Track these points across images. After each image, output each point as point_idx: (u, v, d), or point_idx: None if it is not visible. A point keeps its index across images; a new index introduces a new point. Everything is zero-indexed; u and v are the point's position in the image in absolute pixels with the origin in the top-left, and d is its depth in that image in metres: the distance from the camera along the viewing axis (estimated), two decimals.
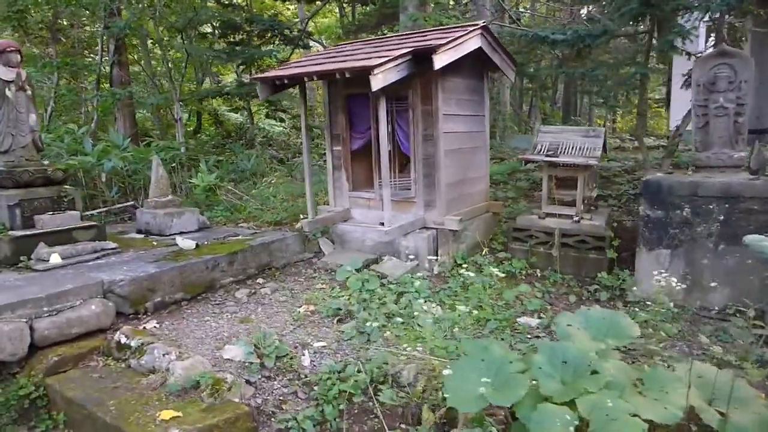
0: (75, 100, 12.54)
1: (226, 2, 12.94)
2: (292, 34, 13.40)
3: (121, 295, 4.67)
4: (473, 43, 6.24)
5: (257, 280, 5.83)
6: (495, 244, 6.77)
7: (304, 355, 4.08)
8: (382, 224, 6.56)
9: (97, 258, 5.44)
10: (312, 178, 6.67)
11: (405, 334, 4.44)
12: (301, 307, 5.06)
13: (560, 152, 6.40)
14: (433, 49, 5.55)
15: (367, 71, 5.18)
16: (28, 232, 5.28)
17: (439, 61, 5.62)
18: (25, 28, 12.11)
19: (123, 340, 4.13)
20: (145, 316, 4.76)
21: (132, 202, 7.78)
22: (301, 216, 7.60)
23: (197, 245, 5.92)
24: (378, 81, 5.24)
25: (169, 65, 11.08)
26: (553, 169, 6.44)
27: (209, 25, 12.34)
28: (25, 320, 4.07)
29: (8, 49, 5.45)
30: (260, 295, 5.39)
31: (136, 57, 13.70)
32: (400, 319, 4.57)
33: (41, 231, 5.35)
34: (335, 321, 4.75)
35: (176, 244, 6.02)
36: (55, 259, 5.16)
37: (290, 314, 4.90)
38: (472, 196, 6.98)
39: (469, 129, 6.84)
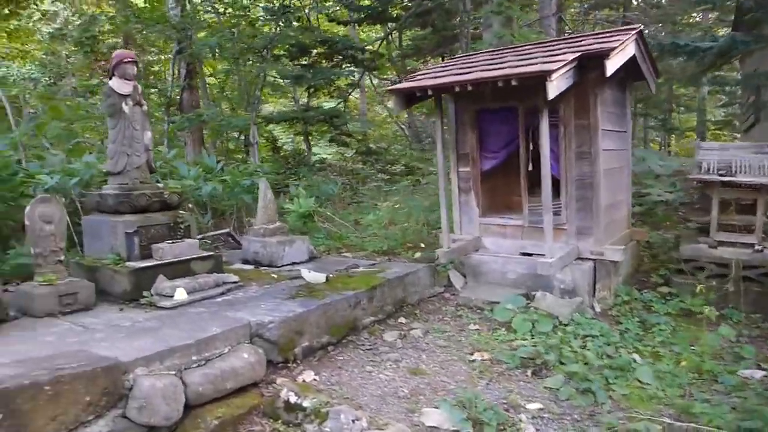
0: None
1: (300, 24, 12.49)
2: (363, 56, 12.88)
3: (270, 339, 3.89)
4: (631, 49, 5.47)
5: (399, 320, 5.01)
6: (654, 277, 5.85)
7: (521, 421, 3.21)
8: (528, 254, 5.74)
9: (222, 293, 4.70)
10: (445, 202, 5.89)
11: (630, 392, 3.55)
12: (472, 354, 4.21)
13: (734, 171, 5.52)
14: (606, 53, 4.81)
15: (542, 77, 4.44)
16: (147, 264, 4.57)
17: (611, 66, 4.85)
18: (96, 53, 11.84)
19: (292, 398, 3.32)
20: (294, 365, 3.96)
21: (227, 230, 7.12)
22: (421, 245, 6.83)
23: (327, 278, 5.15)
24: (553, 88, 4.48)
25: (246, 87, 10.60)
26: (727, 191, 5.56)
27: (280, 47, 11.86)
28: (174, 373, 3.32)
29: (125, 60, 4.86)
30: (412, 339, 4.56)
31: (207, 81, 13.32)
32: (611, 372, 3.69)
33: (160, 262, 4.64)
34: (528, 373, 3.88)
35: (300, 277, 5.26)
36: (181, 294, 4.44)
37: (465, 363, 4.06)
38: (618, 222, 6.12)
39: (616, 146, 6.02)
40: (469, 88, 4.88)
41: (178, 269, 4.79)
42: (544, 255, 5.65)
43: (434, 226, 7.85)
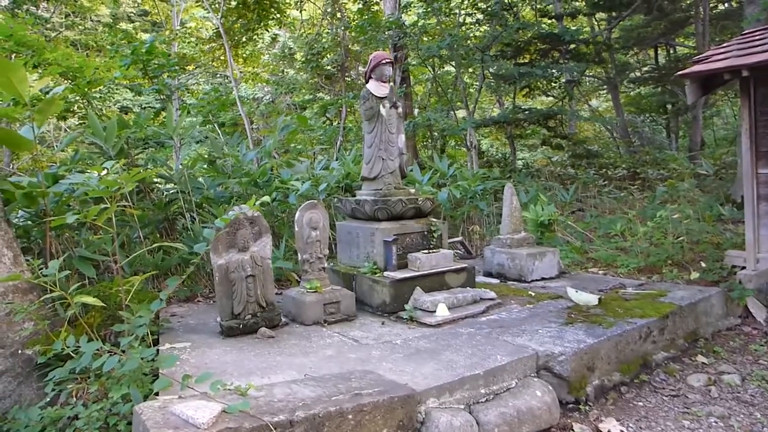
0: (358, 134, 12.67)
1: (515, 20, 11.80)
2: (586, 49, 11.66)
3: (560, 374, 3.27)
4: None
5: (696, 358, 4.01)
6: None
7: None
8: None
9: (483, 312, 4.24)
10: (752, 211, 4.68)
11: None
12: None
13: None
14: None
15: None
16: (406, 275, 4.32)
17: None
18: (319, 69, 12.67)
19: None
20: (586, 407, 3.28)
21: (459, 238, 6.75)
22: (700, 264, 5.64)
23: (600, 301, 4.37)
24: None
25: (463, 90, 10.31)
26: None
27: (495, 47, 11.31)
28: (462, 407, 2.89)
29: (383, 62, 4.71)
30: (728, 387, 3.53)
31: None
32: None
33: (417, 273, 4.36)
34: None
35: (562, 297, 4.58)
36: (443, 311, 4.08)
37: None
38: None
39: None
40: None
41: (434, 281, 4.46)
42: None
43: (703, 240, 6.51)
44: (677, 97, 17.63)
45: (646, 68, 18.58)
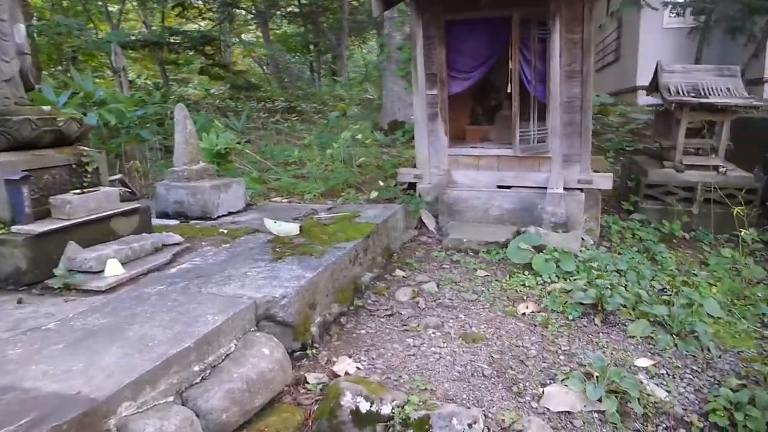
0: None
1: None
2: None
3: (284, 321, 2.72)
4: None
5: (395, 273, 4.08)
6: (625, 204, 5.63)
7: (641, 382, 2.58)
8: (506, 187, 5.11)
9: (170, 261, 3.31)
10: (421, 129, 4.92)
11: (716, 330, 3.14)
12: (515, 306, 3.49)
13: (703, 93, 5.40)
14: None
15: None
16: (51, 226, 2.97)
17: None
18: None
19: (363, 406, 2.28)
20: (313, 350, 2.86)
21: (118, 175, 5.32)
22: (380, 183, 5.84)
23: (301, 229, 3.97)
24: None
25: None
26: (694, 114, 5.43)
27: None
28: (173, 398, 2.06)
29: None
30: (430, 295, 3.68)
31: None
32: (681, 311, 3.25)
33: (69, 222, 3.06)
34: (597, 322, 3.27)
35: (259, 230, 4.02)
36: (115, 268, 2.98)
37: (516, 319, 3.32)
38: None
39: None
40: None
41: (97, 231, 3.25)
42: (528, 187, 5.11)
43: (367, 164, 6.88)
44: (321, 38, 18.72)
45: (290, 8, 18.99)
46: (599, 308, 3.33)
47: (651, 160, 6.05)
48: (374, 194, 5.61)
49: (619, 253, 4.58)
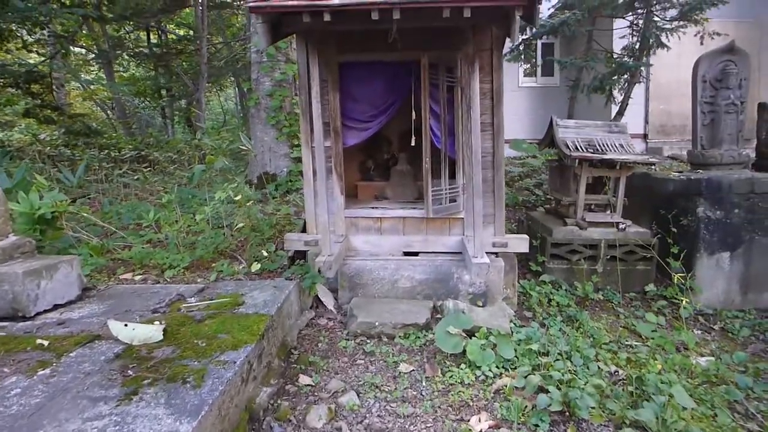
0: None
1: None
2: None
3: None
4: None
5: (298, 380, 3.08)
6: (534, 265, 5.24)
7: None
8: (412, 254, 4.41)
9: None
10: (313, 187, 4.05)
11: (702, 426, 2.64)
12: (467, 420, 2.69)
13: (599, 149, 5.31)
14: None
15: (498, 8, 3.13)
16: None
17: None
18: None
19: None
20: None
21: None
22: (262, 252, 4.76)
23: (165, 331, 2.82)
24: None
25: None
26: (594, 170, 5.30)
27: None
28: None
29: None
30: (352, 413, 2.75)
31: None
32: (653, 406, 2.73)
33: None
34: (565, 428, 2.59)
35: (101, 337, 2.79)
36: None
37: None
38: None
39: None
40: (329, 17, 3.19)
41: None
42: (439, 252, 4.48)
43: (231, 226, 5.78)
44: (175, 82, 17.22)
45: (140, 49, 17.38)
46: (568, 413, 2.68)
47: (549, 216, 5.82)
48: (256, 266, 4.56)
49: (545, 326, 4.08)
